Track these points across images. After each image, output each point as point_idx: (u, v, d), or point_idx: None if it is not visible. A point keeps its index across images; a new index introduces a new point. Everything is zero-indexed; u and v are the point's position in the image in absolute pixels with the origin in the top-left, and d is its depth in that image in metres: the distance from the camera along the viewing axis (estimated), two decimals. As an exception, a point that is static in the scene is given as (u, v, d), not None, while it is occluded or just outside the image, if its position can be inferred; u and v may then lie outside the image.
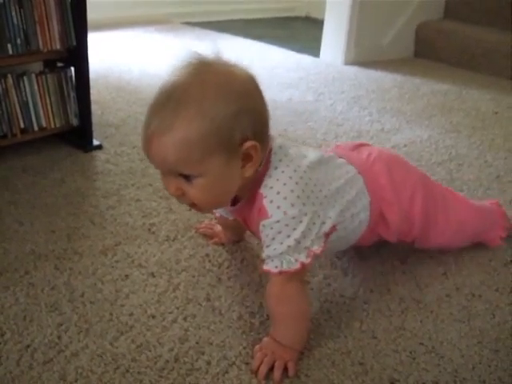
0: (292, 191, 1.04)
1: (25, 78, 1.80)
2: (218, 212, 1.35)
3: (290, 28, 4.41)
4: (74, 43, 1.85)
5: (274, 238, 1.04)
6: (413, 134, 2.27)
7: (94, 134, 1.99)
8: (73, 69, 1.91)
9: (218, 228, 1.45)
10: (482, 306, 1.28)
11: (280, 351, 1.06)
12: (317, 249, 1.06)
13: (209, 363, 1.07)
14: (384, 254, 1.42)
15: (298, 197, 1.04)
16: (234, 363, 1.07)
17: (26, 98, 1.81)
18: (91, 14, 1.87)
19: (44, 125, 1.87)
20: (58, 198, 1.63)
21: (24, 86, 1.80)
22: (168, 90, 0.99)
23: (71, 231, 1.47)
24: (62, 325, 1.14)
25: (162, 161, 1.00)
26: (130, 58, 3.17)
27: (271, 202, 1.04)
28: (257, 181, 1.06)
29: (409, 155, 2.05)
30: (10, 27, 1.70)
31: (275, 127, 2.21)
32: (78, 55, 1.87)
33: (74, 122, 1.94)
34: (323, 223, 1.08)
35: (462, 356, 1.13)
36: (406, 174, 1.33)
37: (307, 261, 1.05)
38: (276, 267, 1.05)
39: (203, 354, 1.09)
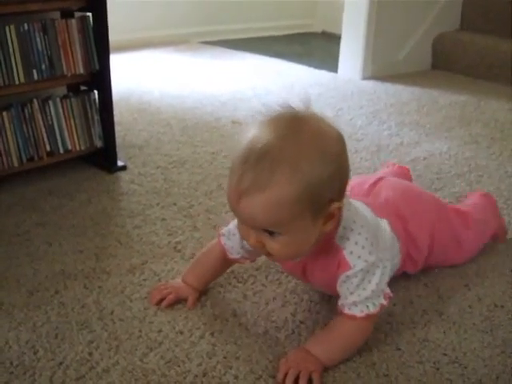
0: (367, 239, 1.10)
1: (50, 102, 1.85)
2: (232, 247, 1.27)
3: (307, 44, 4.44)
4: (97, 67, 1.89)
5: (358, 285, 1.09)
6: (432, 147, 2.28)
7: (118, 155, 2.03)
8: (96, 92, 1.96)
9: (177, 286, 1.32)
10: (504, 316, 1.29)
11: (305, 362, 1.08)
12: (389, 292, 1.13)
13: (236, 377, 1.09)
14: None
15: (372, 244, 1.10)
16: (260, 377, 1.09)
17: (52, 121, 1.86)
18: (111, 36, 1.91)
19: (69, 147, 1.91)
20: (85, 218, 1.67)
21: (49, 110, 1.85)
22: (263, 146, 0.96)
23: (99, 251, 1.50)
24: (92, 342, 1.17)
25: (249, 218, 1.00)
26: (150, 79, 3.22)
27: (351, 253, 1.09)
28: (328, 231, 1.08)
29: (428, 168, 2.06)
30: (34, 53, 1.75)
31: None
32: (100, 79, 1.92)
33: (99, 144, 1.98)
34: (390, 269, 1.16)
35: (485, 366, 1.14)
36: (422, 208, 1.38)
37: (385, 302, 1.12)
38: (362, 311, 1.10)
39: (231, 368, 1.11)
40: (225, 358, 1.14)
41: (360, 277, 1.08)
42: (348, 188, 1.10)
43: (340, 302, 1.13)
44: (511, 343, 1.20)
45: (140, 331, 1.21)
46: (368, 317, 1.10)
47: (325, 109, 2.74)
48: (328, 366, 1.11)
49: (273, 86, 3.08)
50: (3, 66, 1.70)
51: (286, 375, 1.07)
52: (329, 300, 1.30)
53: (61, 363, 1.12)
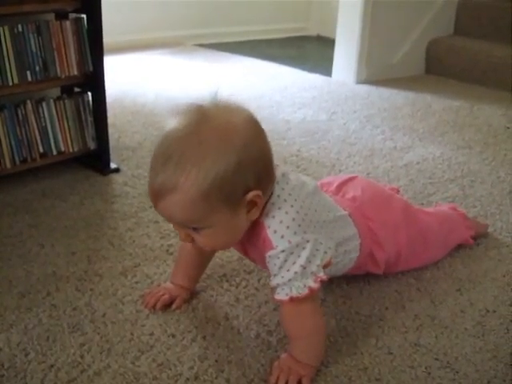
0: (293, 220, 1.06)
1: (43, 103, 1.84)
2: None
3: (301, 48, 4.45)
4: (91, 69, 1.89)
5: (281, 267, 1.07)
6: (425, 152, 2.29)
7: (111, 157, 2.03)
8: (90, 94, 1.95)
9: (168, 287, 1.33)
10: (496, 321, 1.29)
11: (297, 367, 1.09)
12: (323, 275, 1.08)
13: (228, 381, 1.09)
14: (398, 273, 1.44)
15: (300, 225, 1.07)
16: (252, 380, 1.09)
17: (45, 123, 1.86)
18: (105, 38, 1.90)
19: (62, 149, 1.91)
20: (78, 220, 1.67)
21: (43, 112, 1.85)
22: (167, 149, 1.00)
23: (91, 253, 1.50)
24: (84, 345, 1.17)
25: (168, 217, 1.05)
26: (144, 81, 3.22)
27: (275, 232, 1.06)
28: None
29: (421, 172, 2.07)
30: (28, 54, 1.75)
31: (289, 147, 2.26)
32: (94, 80, 1.92)
33: (92, 145, 1.98)
34: (325, 252, 1.10)
35: (476, 371, 1.14)
36: (390, 211, 1.38)
37: (315, 285, 1.07)
38: (286, 295, 1.07)
39: (223, 371, 1.11)
40: (216, 361, 1.14)
41: (282, 258, 1.06)
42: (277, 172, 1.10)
43: (271, 287, 1.11)
44: (503, 348, 1.21)
45: (132, 334, 1.21)
46: (293, 300, 1.06)
47: (318, 112, 2.74)
48: (318, 365, 1.12)
49: (267, 89, 3.07)
50: (-3, 66, 1.70)
51: (277, 379, 1.07)
52: (322, 304, 1.30)
53: (52, 366, 1.12)
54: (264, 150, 1.05)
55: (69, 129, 1.91)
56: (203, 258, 1.33)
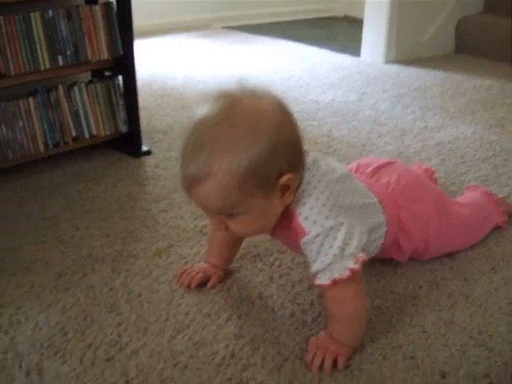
0: (324, 205, 1.07)
1: (75, 87, 1.86)
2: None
3: (329, 28, 4.42)
4: (121, 52, 1.90)
5: (318, 252, 1.07)
6: (456, 131, 2.27)
7: (143, 139, 2.04)
8: (120, 77, 1.97)
9: (203, 267, 1.34)
10: (530, 299, 1.29)
11: (334, 347, 1.09)
12: (362, 255, 1.08)
13: (264, 358, 1.10)
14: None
15: (331, 210, 1.07)
16: (288, 358, 1.10)
17: (77, 107, 1.87)
18: (133, 22, 1.91)
19: (94, 132, 1.93)
20: (111, 203, 1.68)
21: (74, 96, 1.87)
22: (198, 137, 1.00)
23: (125, 235, 1.52)
24: (121, 324, 1.19)
25: (203, 205, 1.05)
26: (173, 65, 3.23)
27: (306, 218, 1.07)
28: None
29: (453, 152, 2.05)
30: (59, 40, 1.77)
31: (319, 128, 2.25)
32: (125, 64, 1.93)
33: (123, 128, 1.99)
34: (360, 235, 1.10)
35: (511, 349, 1.14)
36: (422, 201, 1.35)
37: (356, 266, 1.06)
38: (328, 278, 1.06)
39: (258, 349, 1.12)
40: (252, 339, 1.15)
41: (318, 242, 1.06)
42: (331, 161, 1.11)
43: (311, 274, 1.10)
44: (538, 326, 1.20)
45: (168, 313, 1.22)
46: (336, 283, 1.05)
47: (348, 93, 2.73)
48: (357, 347, 1.12)
49: (295, 70, 3.06)
50: (29, 52, 1.71)
51: (314, 356, 1.08)
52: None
53: (90, 344, 1.14)
54: (294, 134, 1.06)
55: (100, 112, 1.93)
56: (236, 238, 1.34)
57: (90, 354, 1.11)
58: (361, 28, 3.42)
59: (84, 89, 1.89)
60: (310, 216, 1.06)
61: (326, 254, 1.06)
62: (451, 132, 2.26)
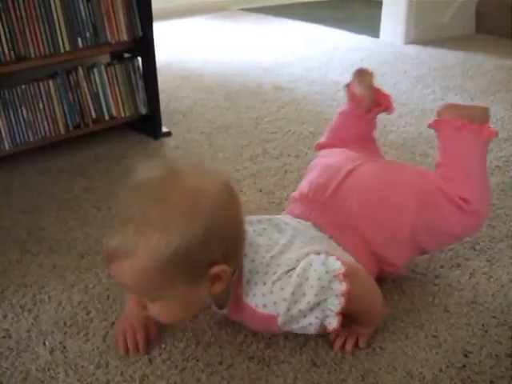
0: (274, 283, 0.98)
1: (94, 69, 1.87)
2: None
3: (348, 9, 4.39)
4: (140, 34, 1.90)
5: (305, 314, 0.98)
6: (477, 111, 2.25)
7: (162, 121, 2.05)
8: (140, 59, 1.97)
9: (133, 321, 1.12)
10: (554, 278, 1.28)
11: (355, 327, 1.09)
12: (339, 267, 0.98)
13: (286, 337, 1.10)
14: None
15: (280, 278, 0.98)
16: (310, 337, 1.10)
17: (97, 88, 1.88)
18: (152, 5, 1.91)
19: (114, 114, 1.93)
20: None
21: (94, 78, 1.87)
22: (131, 205, 0.90)
23: (146, 215, 1.52)
24: (143, 303, 1.20)
25: (121, 282, 0.96)
26: (191, 47, 3.23)
27: (265, 306, 0.98)
28: (235, 284, 1.00)
29: (474, 132, 2.03)
30: (79, 21, 1.77)
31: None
32: (144, 45, 1.93)
33: (143, 110, 2.00)
34: (320, 255, 1.01)
35: (535, 328, 1.14)
36: (394, 218, 1.18)
37: (342, 286, 0.97)
38: (333, 317, 0.98)
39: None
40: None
41: (295, 311, 0.97)
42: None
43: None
44: (561, 305, 1.20)
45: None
46: (339, 312, 0.97)
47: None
48: (377, 325, 1.12)
49: (314, 52, 3.05)
50: (48, 34, 1.72)
51: (336, 335, 1.08)
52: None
53: (113, 323, 1.15)
54: (235, 220, 0.96)
55: (120, 94, 1.94)
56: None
57: (112, 332, 1.12)
58: (380, 9, 3.39)
59: (104, 70, 1.89)
60: (267, 301, 0.98)
61: (311, 308, 0.97)
62: (472, 112, 2.24)
